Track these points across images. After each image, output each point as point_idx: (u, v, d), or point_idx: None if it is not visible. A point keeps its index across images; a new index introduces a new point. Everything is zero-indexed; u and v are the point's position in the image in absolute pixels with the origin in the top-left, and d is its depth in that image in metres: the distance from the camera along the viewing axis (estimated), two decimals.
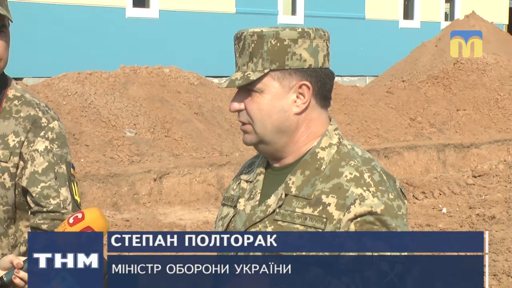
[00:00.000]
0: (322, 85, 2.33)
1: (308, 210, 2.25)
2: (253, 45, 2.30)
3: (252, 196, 2.37)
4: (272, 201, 2.31)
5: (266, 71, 2.29)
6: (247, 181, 2.42)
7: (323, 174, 2.29)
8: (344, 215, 2.22)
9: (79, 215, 2.33)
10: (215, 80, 14.69)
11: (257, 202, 2.34)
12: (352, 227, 2.21)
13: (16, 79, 3.14)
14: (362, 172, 2.26)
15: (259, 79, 2.29)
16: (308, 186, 2.28)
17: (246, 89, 2.31)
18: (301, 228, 2.24)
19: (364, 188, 2.23)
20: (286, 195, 2.30)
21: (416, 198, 10.83)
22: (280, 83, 2.30)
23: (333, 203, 2.24)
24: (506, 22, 24.00)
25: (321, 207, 2.24)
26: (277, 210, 2.29)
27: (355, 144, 2.39)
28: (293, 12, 19.44)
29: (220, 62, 16.64)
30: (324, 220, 2.23)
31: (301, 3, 19.36)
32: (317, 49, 2.31)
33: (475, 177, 11.93)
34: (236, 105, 2.33)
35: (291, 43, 2.29)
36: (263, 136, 2.32)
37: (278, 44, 2.29)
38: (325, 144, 2.33)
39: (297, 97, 2.31)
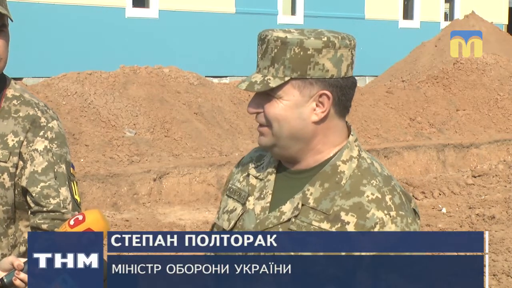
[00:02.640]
0: (342, 95, 2.30)
1: (325, 226, 2.23)
2: (276, 50, 2.25)
3: (262, 196, 2.34)
4: (287, 208, 2.28)
5: (286, 79, 2.25)
6: (256, 178, 2.39)
7: (343, 189, 2.27)
8: None
9: (80, 217, 2.34)
10: (215, 80, 14.69)
11: (268, 204, 2.32)
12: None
13: (15, 79, 3.13)
14: (384, 194, 2.25)
15: (279, 87, 2.26)
16: (327, 200, 2.26)
17: (265, 93, 2.28)
18: None
19: (385, 212, 2.22)
20: (302, 205, 2.27)
21: (416, 198, 10.83)
22: (300, 92, 2.26)
23: (352, 222, 2.22)
24: (506, 22, 24.00)
25: (339, 225, 2.22)
26: (293, 219, 2.26)
27: (373, 157, 2.37)
28: (293, 12, 19.43)
29: (220, 62, 16.65)
30: None
31: (301, 3, 19.35)
32: (341, 59, 2.27)
33: (474, 177, 11.94)
34: (253, 109, 2.30)
35: (314, 53, 2.24)
36: (278, 140, 2.29)
37: (302, 53, 2.24)
38: (346, 157, 2.30)
39: (317, 105, 2.27)
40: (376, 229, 2.20)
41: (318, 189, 2.28)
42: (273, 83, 2.25)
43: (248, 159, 2.48)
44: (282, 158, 2.35)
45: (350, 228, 2.21)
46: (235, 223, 2.36)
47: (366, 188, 2.26)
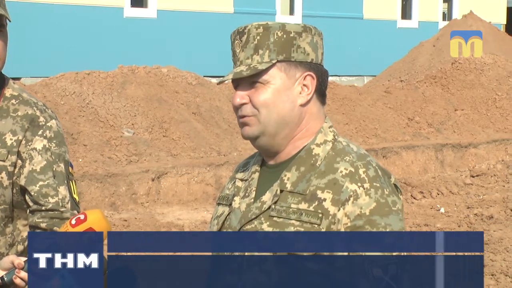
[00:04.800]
0: (322, 80, 2.35)
1: (303, 206, 2.25)
2: (258, 37, 2.30)
3: (247, 194, 2.37)
4: (267, 197, 2.31)
5: (273, 61, 2.29)
6: (242, 180, 2.42)
7: (318, 170, 2.29)
8: (338, 210, 2.22)
9: (81, 217, 2.34)
10: (213, 80, 14.68)
11: (252, 200, 2.34)
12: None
13: (14, 79, 3.13)
14: (357, 167, 2.27)
15: (266, 70, 2.29)
16: (303, 181, 2.28)
17: (249, 82, 2.31)
18: (296, 223, 2.24)
19: (359, 184, 2.24)
20: (281, 191, 2.29)
21: (414, 198, 10.83)
22: (287, 74, 2.31)
23: (329, 198, 2.24)
24: (504, 22, 24.00)
25: (316, 203, 2.24)
26: (273, 206, 2.28)
27: (350, 141, 2.40)
28: (291, 12, 19.44)
29: (218, 62, 16.64)
30: (320, 215, 2.23)
31: (299, 3, 19.36)
32: (316, 45, 2.34)
33: (473, 177, 11.94)
34: (240, 99, 2.32)
35: (296, 36, 2.31)
36: (266, 127, 2.31)
37: (285, 36, 2.30)
38: (320, 141, 2.34)
39: (302, 88, 2.32)
40: (350, 202, 2.21)
41: (295, 173, 2.30)
42: (261, 66, 2.29)
43: (237, 168, 2.52)
44: (264, 149, 2.37)
45: (327, 204, 2.23)
46: (223, 223, 2.39)
47: (340, 164, 2.29)
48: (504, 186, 11.36)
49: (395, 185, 2.32)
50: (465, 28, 17.52)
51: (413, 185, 11.27)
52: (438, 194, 11.08)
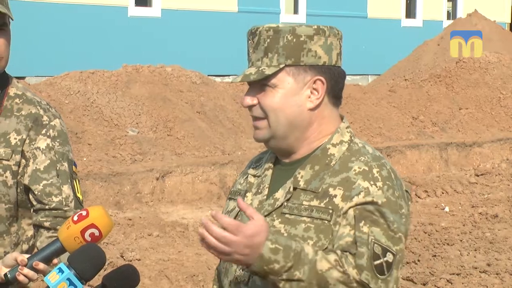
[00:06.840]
0: (335, 83, 2.34)
1: (315, 203, 2.26)
2: (268, 40, 2.30)
3: (260, 191, 2.37)
4: (280, 194, 2.32)
5: (281, 66, 2.29)
6: (254, 176, 2.43)
7: (332, 169, 2.30)
8: (346, 204, 2.23)
9: (84, 213, 2.34)
10: (218, 79, 14.68)
11: (265, 197, 2.35)
12: (351, 213, 2.22)
13: (18, 78, 3.14)
14: (371, 167, 2.27)
15: (274, 74, 2.29)
16: (316, 180, 2.29)
17: (259, 84, 2.31)
18: (307, 220, 2.25)
19: (371, 182, 2.25)
20: (294, 188, 2.30)
21: (419, 197, 10.82)
22: (295, 78, 2.30)
23: (339, 194, 2.25)
24: (509, 20, 23.96)
25: (327, 199, 2.25)
26: (285, 203, 2.29)
27: (366, 143, 2.40)
28: (295, 11, 19.42)
29: (222, 61, 16.64)
30: (330, 211, 2.24)
31: (303, 2, 19.34)
32: (331, 47, 2.32)
33: (477, 175, 11.91)
34: (249, 101, 2.33)
35: (307, 39, 2.29)
36: (276, 130, 2.31)
37: (294, 40, 2.29)
38: (336, 141, 2.34)
39: (311, 92, 2.31)
40: (360, 196, 2.22)
41: (309, 171, 2.31)
42: (268, 71, 2.28)
43: (249, 163, 2.53)
44: (278, 150, 2.38)
45: (337, 200, 2.24)
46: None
47: (354, 164, 2.29)
48: (508, 185, 11.34)
49: (406, 191, 2.32)
50: (470, 27, 17.47)
51: (418, 184, 11.26)
52: (443, 193, 11.07)
